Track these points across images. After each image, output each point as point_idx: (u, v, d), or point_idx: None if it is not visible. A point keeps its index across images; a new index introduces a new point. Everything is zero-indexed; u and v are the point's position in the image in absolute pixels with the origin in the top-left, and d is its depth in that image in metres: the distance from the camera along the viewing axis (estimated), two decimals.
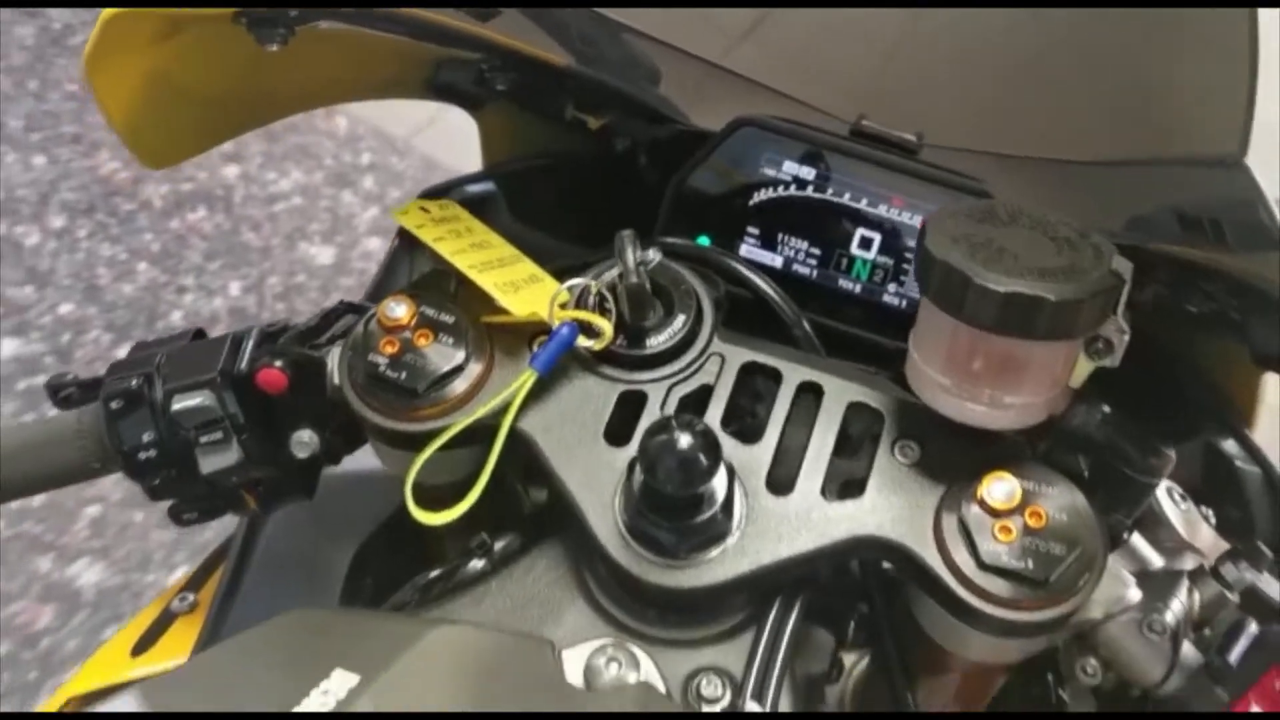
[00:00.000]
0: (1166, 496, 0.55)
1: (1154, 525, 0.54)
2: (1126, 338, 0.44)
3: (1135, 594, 0.48)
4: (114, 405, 0.53)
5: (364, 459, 0.65)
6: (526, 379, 0.49)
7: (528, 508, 0.59)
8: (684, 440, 0.44)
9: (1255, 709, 0.44)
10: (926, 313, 0.46)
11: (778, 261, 0.65)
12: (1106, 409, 0.47)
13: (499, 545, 0.55)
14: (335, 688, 0.38)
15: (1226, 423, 0.66)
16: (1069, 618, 0.46)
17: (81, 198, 2.08)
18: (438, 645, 0.41)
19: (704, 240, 0.65)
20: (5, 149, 2.13)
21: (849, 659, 0.68)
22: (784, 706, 0.52)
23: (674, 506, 0.46)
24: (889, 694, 0.57)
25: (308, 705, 0.37)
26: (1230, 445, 0.66)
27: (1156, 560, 0.51)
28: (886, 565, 0.54)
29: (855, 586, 0.59)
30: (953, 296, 0.42)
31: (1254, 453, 0.66)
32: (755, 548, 0.48)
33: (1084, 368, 0.45)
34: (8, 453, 0.56)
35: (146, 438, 0.53)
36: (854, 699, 0.69)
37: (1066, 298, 0.41)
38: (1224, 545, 0.55)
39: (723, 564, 0.47)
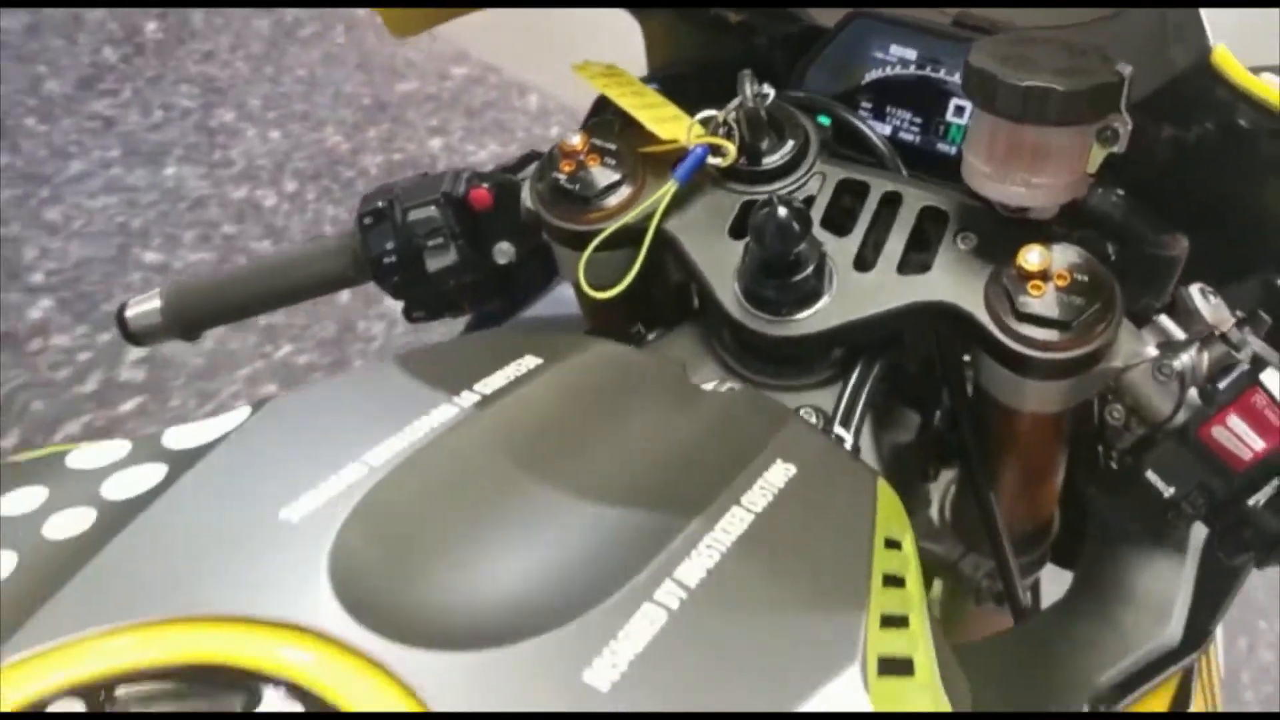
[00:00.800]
0: (1198, 294, 0.66)
1: (1185, 315, 0.65)
2: (1129, 128, 0.56)
3: (1152, 350, 0.60)
4: (366, 221, 0.71)
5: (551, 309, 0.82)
6: (669, 188, 0.65)
7: (671, 310, 0.74)
8: (781, 210, 0.59)
9: (1234, 419, 0.55)
10: (974, 117, 0.59)
11: (886, 130, 0.79)
12: (1121, 192, 0.59)
13: (650, 336, 0.70)
14: (520, 368, 0.54)
15: None
16: (1093, 359, 0.59)
17: (309, 166, 2.35)
18: (591, 350, 0.57)
19: (824, 120, 0.79)
20: (246, 125, 2.43)
21: (944, 474, 0.81)
22: (866, 445, 0.66)
23: (776, 268, 0.60)
24: (971, 490, 0.70)
25: (495, 382, 0.52)
26: None
27: (1180, 335, 0.63)
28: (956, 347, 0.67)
29: (936, 383, 0.72)
30: (987, 94, 0.56)
31: None
32: (843, 307, 0.62)
33: (1097, 154, 0.57)
34: (287, 265, 0.75)
35: (389, 245, 0.71)
36: (950, 512, 0.81)
37: (1073, 88, 0.54)
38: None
39: (817, 319, 0.62)
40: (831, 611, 0.44)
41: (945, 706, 0.48)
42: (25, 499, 0.44)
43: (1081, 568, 0.73)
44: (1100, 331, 0.58)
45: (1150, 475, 0.58)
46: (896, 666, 0.46)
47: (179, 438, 0.48)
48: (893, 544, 0.51)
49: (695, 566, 0.43)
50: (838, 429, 0.62)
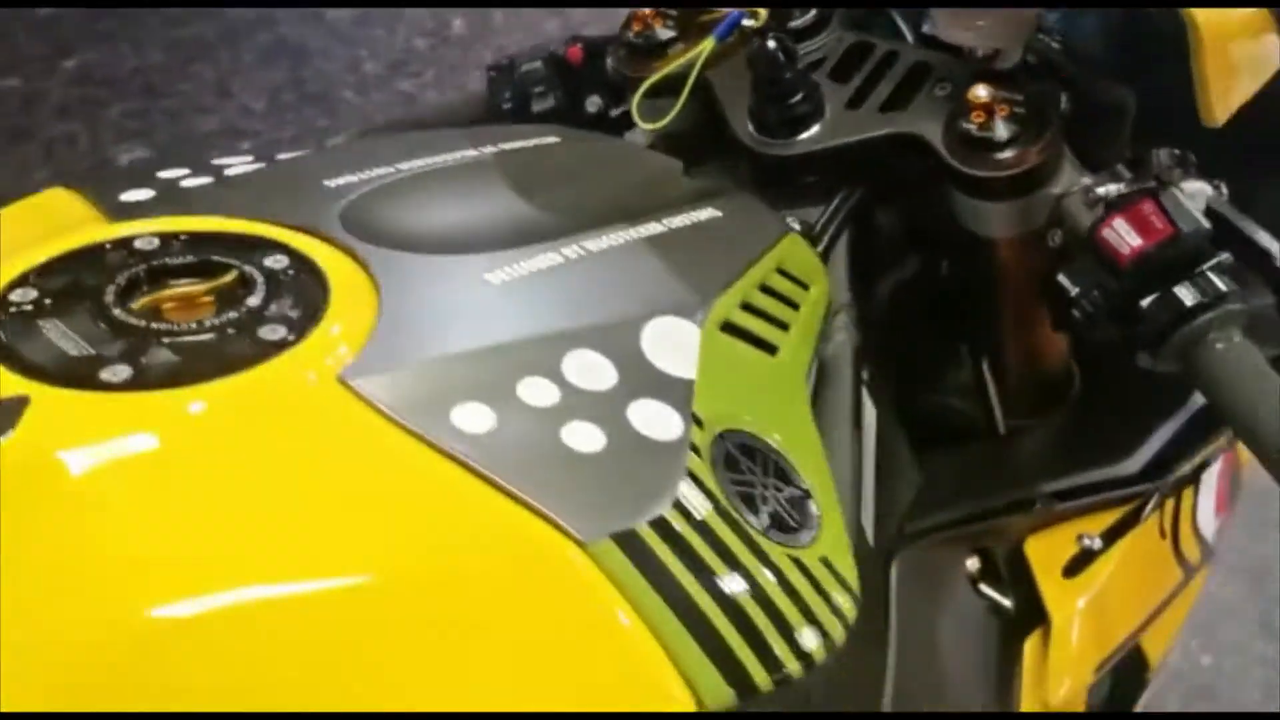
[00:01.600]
0: (1166, 155, 0.74)
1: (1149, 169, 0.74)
2: None
3: (1086, 180, 0.70)
4: (491, 74, 0.91)
5: None
6: (708, 43, 0.81)
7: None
8: (770, 42, 0.73)
9: (1119, 220, 0.65)
10: None
11: None
12: (1060, 40, 0.70)
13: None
14: (541, 139, 0.71)
15: None
16: (1031, 182, 0.69)
17: None
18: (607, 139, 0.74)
19: None
20: None
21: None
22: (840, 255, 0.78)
23: (769, 93, 0.75)
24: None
25: (514, 143, 0.69)
26: None
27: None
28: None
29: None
30: None
31: None
32: (830, 134, 0.75)
33: None
34: (428, 118, 0.96)
35: (506, 94, 0.90)
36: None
37: None
38: None
39: (807, 142, 0.75)
40: (696, 281, 0.59)
41: (801, 400, 0.61)
42: None
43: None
44: (1035, 154, 0.69)
45: (1060, 278, 0.69)
46: (748, 337, 0.60)
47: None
48: (790, 276, 0.64)
49: (600, 241, 0.59)
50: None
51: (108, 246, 0.54)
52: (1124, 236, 0.65)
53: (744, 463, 0.53)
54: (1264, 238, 0.66)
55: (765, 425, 0.56)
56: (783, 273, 0.65)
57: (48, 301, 0.50)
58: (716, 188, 0.72)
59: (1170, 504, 0.83)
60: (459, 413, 0.47)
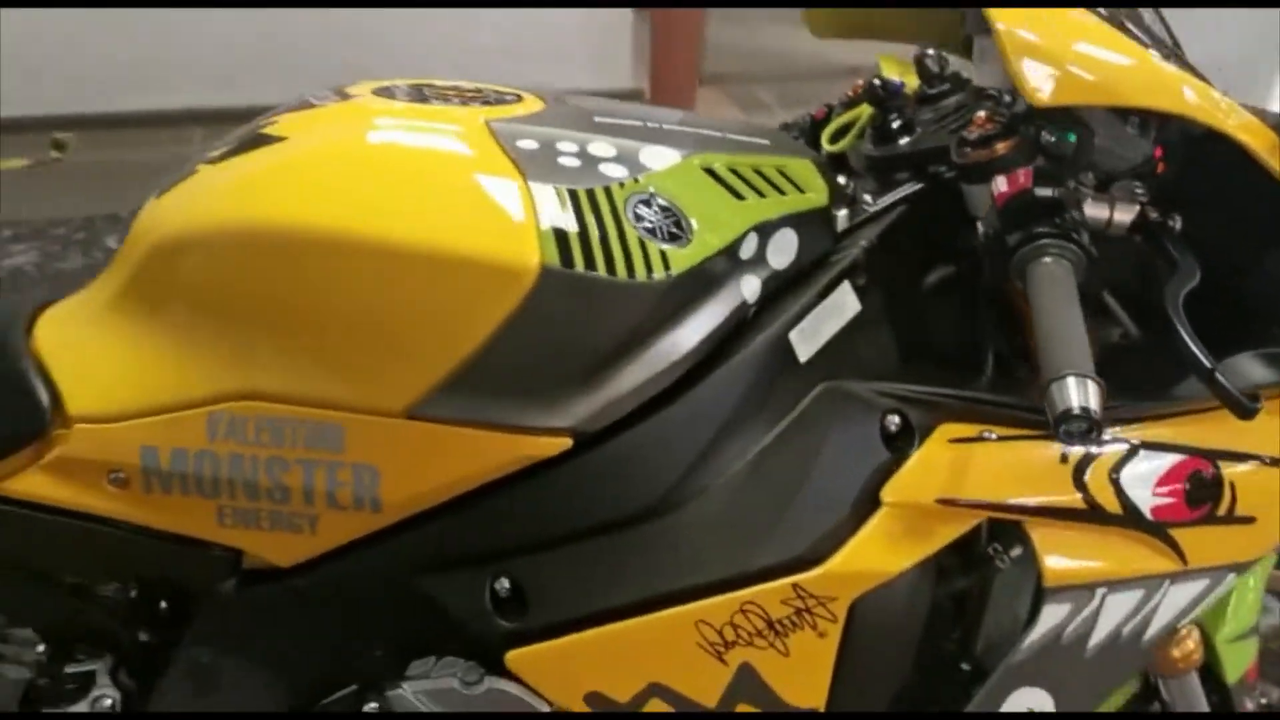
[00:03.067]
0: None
1: None
2: None
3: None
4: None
5: None
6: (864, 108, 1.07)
7: None
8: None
9: (999, 178, 0.87)
10: None
11: None
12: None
13: None
14: None
15: None
16: (999, 166, 0.90)
17: None
18: None
19: None
20: None
21: None
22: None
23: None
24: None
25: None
26: None
27: None
28: None
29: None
30: None
31: None
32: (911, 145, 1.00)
33: None
34: None
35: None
36: None
37: None
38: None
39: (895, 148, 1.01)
40: (701, 145, 0.99)
41: (740, 220, 0.94)
42: None
43: None
44: (1001, 148, 0.89)
45: (979, 222, 0.87)
46: (719, 181, 0.98)
47: None
48: (787, 176, 0.99)
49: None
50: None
51: None
52: (999, 187, 0.90)
53: (655, 202, 0.91)
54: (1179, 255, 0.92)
55: (688, 206, 0.92)
56: (781, 172, 0.98)
57: None
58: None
59: (1084, 451, 0.94)
60: (523, 143, 0.91)
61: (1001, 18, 0.87)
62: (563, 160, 0.91)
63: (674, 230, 0.90)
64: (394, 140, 0.94)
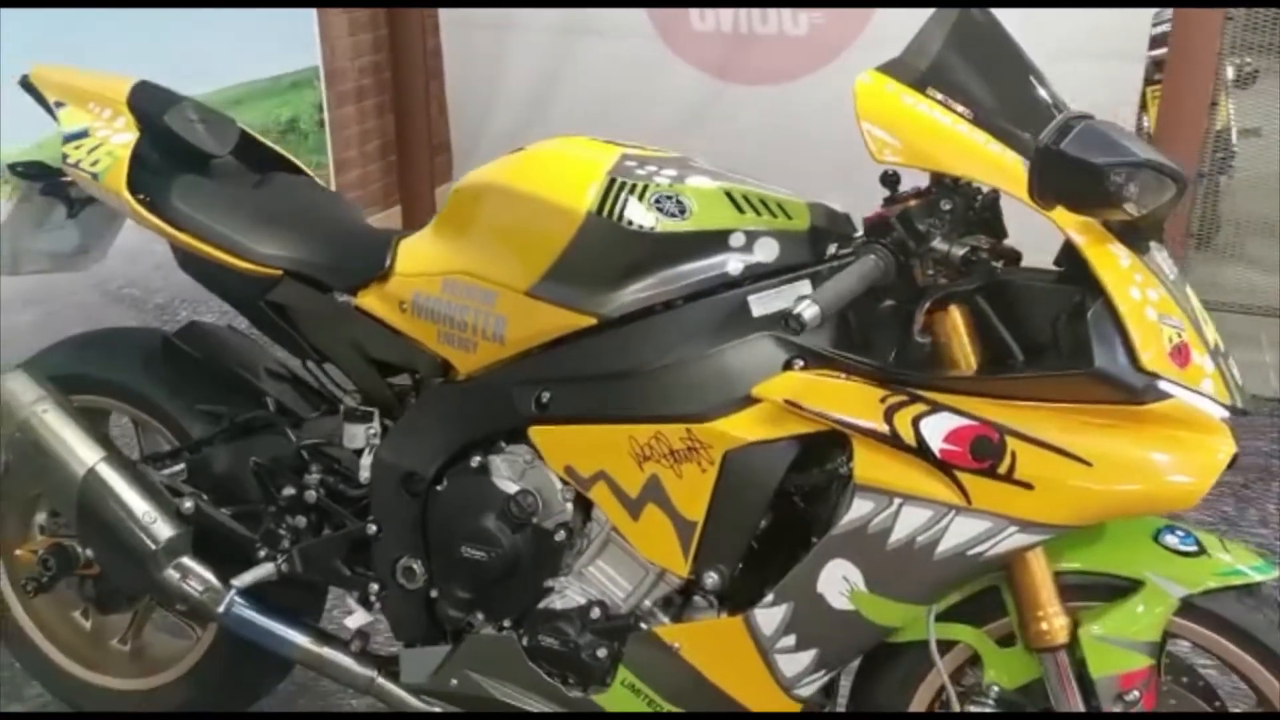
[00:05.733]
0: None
1: None
2: None
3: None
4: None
5: None
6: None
7: None
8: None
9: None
10: None
11: None
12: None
13: None
14: None
15: None
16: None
17: None
18: None
19: None
20: None
21: None
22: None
23: None
24: None
25: None
26: None
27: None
28: None
29: None
30: None
31: None
32: None
33: None
34: None
35: None
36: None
37: None
38: None
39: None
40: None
41: (725, 215, 1.49)
42: None
43: None
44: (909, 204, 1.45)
45: None
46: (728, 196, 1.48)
47: None
48: (782, 208, 1.60)
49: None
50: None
51: None
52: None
53: (676, 197, 1.56)
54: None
55: (697, 204, 1.56)
56: (779, 205, 1.58)
57: None
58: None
59: (901, 397, 1.44)
60: (629, 162, 1.65)
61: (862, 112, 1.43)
62: (637, 170, 1.61)
63: (675, 211, 1.57)
64: (561, 148, 1.73)
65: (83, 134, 1.89)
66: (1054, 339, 1.43)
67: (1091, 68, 3.36)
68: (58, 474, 1.85)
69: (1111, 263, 1.37)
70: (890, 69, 1.46)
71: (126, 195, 1.81)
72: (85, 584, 2.03)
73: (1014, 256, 1.52)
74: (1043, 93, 1.48)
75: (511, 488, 1.66)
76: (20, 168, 1.95)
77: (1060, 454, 1.38)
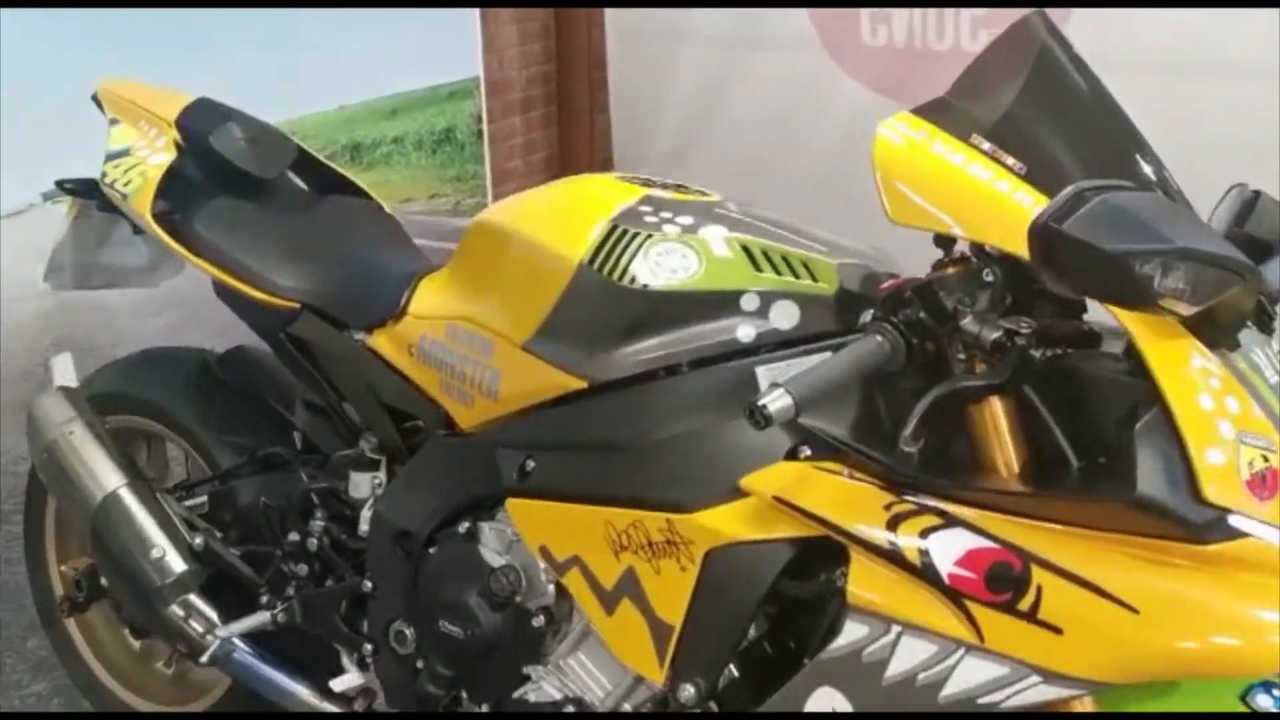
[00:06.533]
0: None
1: None
2: None
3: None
4: None
5: None
6: None
7: None
8: None
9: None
10: None
11: None
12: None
13: None
14: None
15: None
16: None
17: None
18: None
19: None
20: None
21: None
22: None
23: None
24: None
25: None
26: None
27: None
28: None
29: None
30: None
31: None
32: None
33: None
34: None
35: None
36: None
37: None
38: None
39: None
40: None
41: (744, 276, 1.30)
42: None
43: None
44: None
45: None
46: (749, 254, 1.31)
47: None
48: (808, 269, 1.37)
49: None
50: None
51: None
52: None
53: (680, 250, 1.36)
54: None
55: (704, 259, 1.37)
56: (804, 263, 1.36)
57: None
58: None
59: (911, 505, 1.20)
60: (643, 206, 1.45)
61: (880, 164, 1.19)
62: (648, 217, 1.42)
63: (678, 267, 1.36)
64: (576, 186, 1.56)
65: (124, 153, 1.85)
66: (1115, 447, 1.15)
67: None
68: (77, 496, 1.81)
69: (1175, 363, 1.09)
70: (929, 111, 1.22)
71: (148, 218, 1.76)
72: (121, 607, 2.00)
73: (1088, 338, 1.24)
74: (1133, 147, 1.21)
75: (497, 560, 1.49)
76: (69, 185, 1.94)
77: (1098, 594, 1.10)
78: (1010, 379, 1.16)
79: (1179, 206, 1.16)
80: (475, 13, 4.03)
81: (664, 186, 1.51)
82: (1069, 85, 1.24)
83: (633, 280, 1.37)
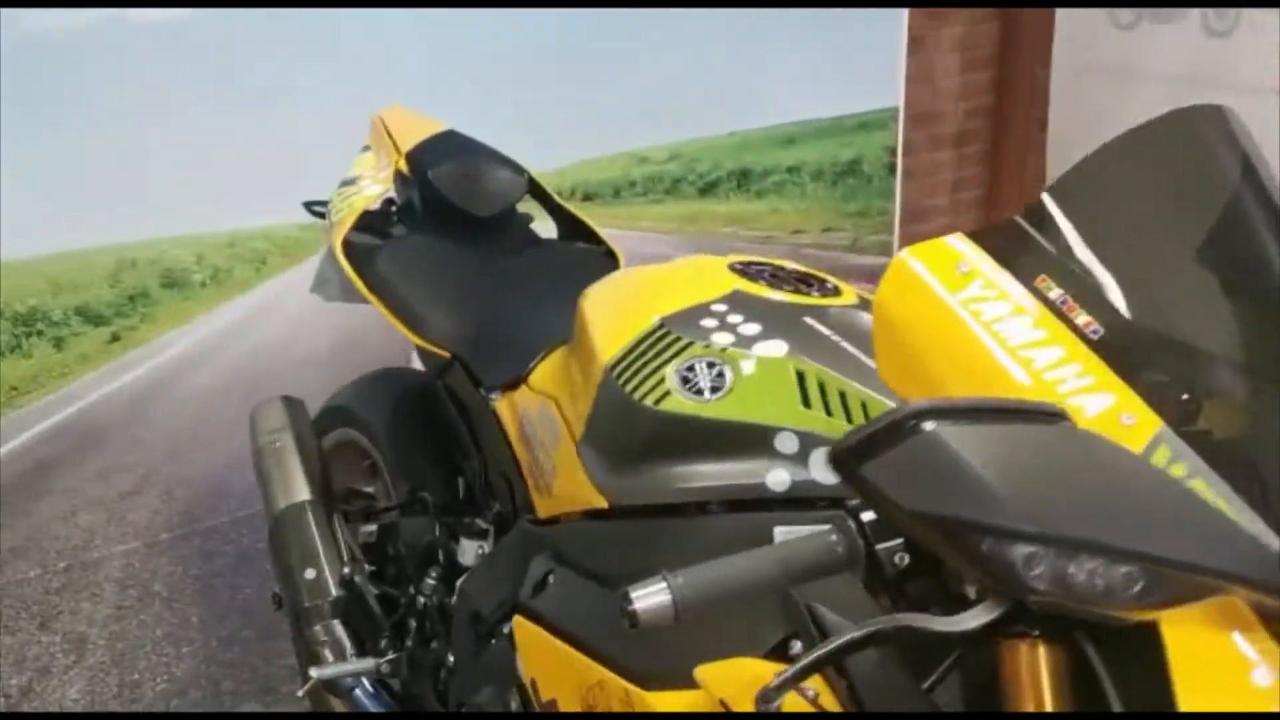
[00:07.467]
0: None
1: None
2: None
3: None
4: None
5: None
6: None
7: None
8: None
9: None
10: None
11: None
12: None
13: None
14: None
15: None
16: None
17: None
18: None
19: None
20: None
21: None
22: None
23: None
24: None
25: None
26: None
27: None
28: None
29: None
30: None
31: None
32: None
33: None
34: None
35: None
36: None
37: None
38: None
39: None
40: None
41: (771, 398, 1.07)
42: None
43: None
44: None
45: None
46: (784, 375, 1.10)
47: None
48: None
49: None
50: None
51: None
52: None
53: (717, 368, 1.14)
54: None
55: (742, 384, 1.13)
56: (862, 404, 1.09)
57: None
58: None
59: None
60: (717, 305, 1.23)
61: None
62: (704, 320, 1.20)
63: (702, 388, 1.13)
64: (665, 269, 1.36)
65: (351, 181, 1.90)
66: None
67: None
68: (267, 501, 1.90)
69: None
70: (990, 236, 0.90)
71: (338, 249, 1.79)
72: None
73: None
74: None
75: (523, 671, 1.35)
76: (316, 206, 2.03)
77: None
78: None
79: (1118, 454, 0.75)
80: (902, 42, 3.77)
81: (776, 278, 1.27)
82: (1215, 196, 0.85)
83: (644, 396, 1.16)
